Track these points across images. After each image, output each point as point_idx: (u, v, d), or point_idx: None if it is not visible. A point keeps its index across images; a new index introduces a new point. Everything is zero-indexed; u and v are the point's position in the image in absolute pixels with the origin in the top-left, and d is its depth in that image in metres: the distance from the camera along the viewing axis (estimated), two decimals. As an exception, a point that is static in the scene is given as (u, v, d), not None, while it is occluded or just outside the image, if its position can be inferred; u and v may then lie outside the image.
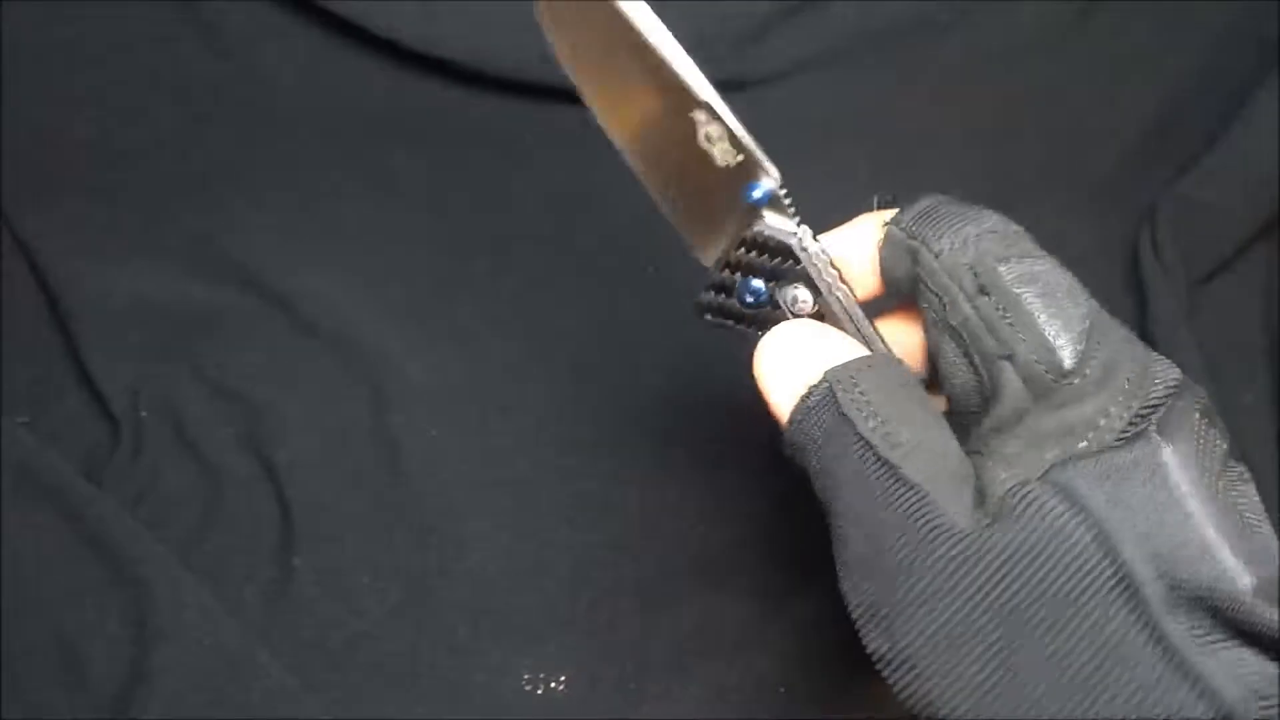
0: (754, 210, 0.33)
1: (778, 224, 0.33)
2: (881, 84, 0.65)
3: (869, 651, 0.28)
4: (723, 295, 0.35)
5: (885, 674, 0.28)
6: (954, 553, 0.27)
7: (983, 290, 0.31)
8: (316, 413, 0.54)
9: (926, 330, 0.33)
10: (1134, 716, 0.25)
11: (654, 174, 0.35)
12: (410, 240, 0.60)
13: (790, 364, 0.32)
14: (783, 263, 0.34)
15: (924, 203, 0.33)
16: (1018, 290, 0.30)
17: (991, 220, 0.32)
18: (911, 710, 0.27)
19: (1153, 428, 0.28)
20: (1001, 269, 0.31)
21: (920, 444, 0.29)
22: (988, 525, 0.27)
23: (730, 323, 0.36)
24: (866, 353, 0.32)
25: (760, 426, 0.53)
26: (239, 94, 0.64)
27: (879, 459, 0.29)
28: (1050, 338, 0.30)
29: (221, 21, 0.63)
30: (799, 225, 0.34)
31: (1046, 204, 0.62)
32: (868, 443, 0.29)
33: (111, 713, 0.43)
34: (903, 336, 0.35)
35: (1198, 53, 0.65)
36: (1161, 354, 0.30)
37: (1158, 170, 0.63)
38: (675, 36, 0.33)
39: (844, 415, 0.29)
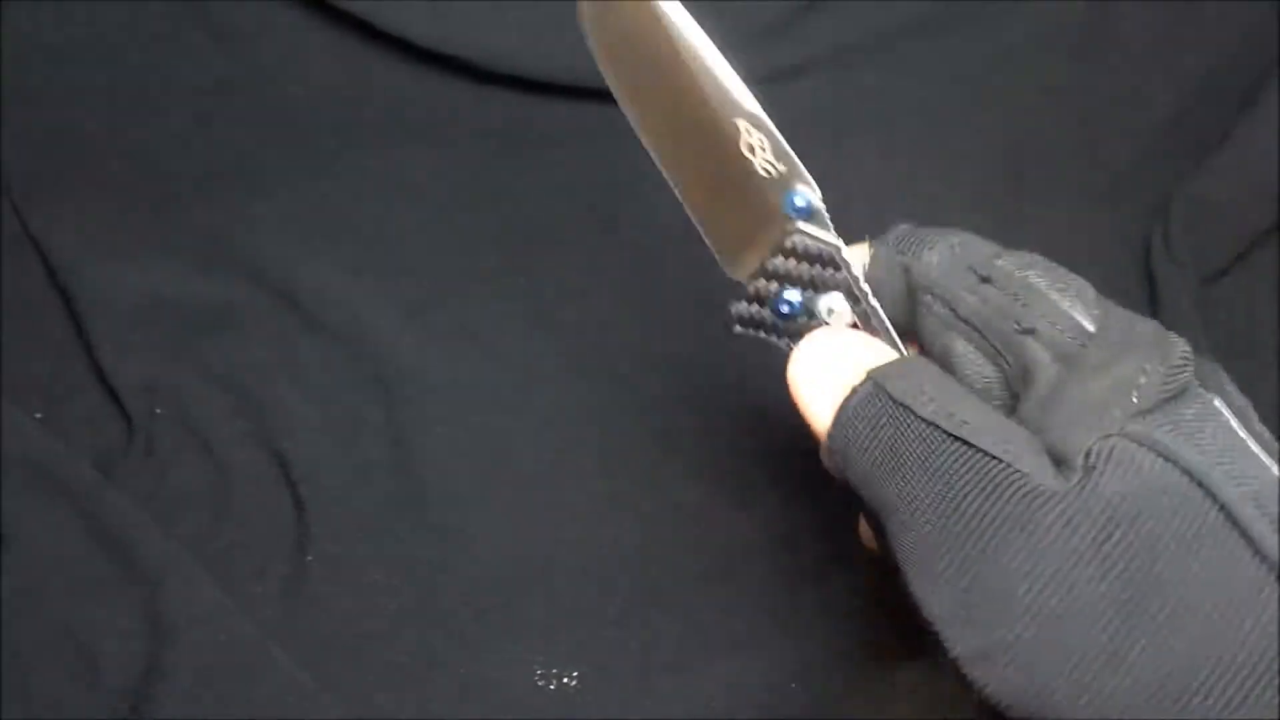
0: (791, 220, 0.34)
1: (818, 233, 0.34)
2: (892, 82, 0.65)
3: (955, 655, 0.27)
4: (756, 306, 0.35)
5: (977, 674, 0.27)
6: (1056, 512, 0.26)
7: (985, 279, 0.31)
8: (327, 409, 0.54)
9: (929, 345, 0.33)
10: (1268, 656, 0.24)
11: (691, 182, 0.35)
12: (421, 237, 0.60)
13: (830, 367, 0.31)
14: (822, 271, 0.34)
15: (900, 228, 0.33)
16: (1021, 273, 0.31)
17: (969, 233, 0.33)
18: (1005, 710, 0.26)
19: (1195, 383, 0.28)
20: (998, 261, 0.31)
21: (984, 418, 0.28)
22: (1081, 482, 0.26)
23: (762, 333, 0.36)
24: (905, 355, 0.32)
25: (769, 425, 0.53)
26: (249, 91, 0.64)
27: (950, 436, 0.28)
28: (1066, 306, 0.30)
29: (231, 19, 0.63)
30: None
31: (1058, 202, 0.62)
32: (933, 424, 0.28)
33: (125, 709, 0.43)
34: None
35: (1210, 51, 0.65)
36: None
37: (1169, 169, 0.63)
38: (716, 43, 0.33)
39: (900, 403, 0.29)
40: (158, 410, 0.53)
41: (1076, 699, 0.25)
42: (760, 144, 0.33)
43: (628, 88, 0.35)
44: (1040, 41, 0.65)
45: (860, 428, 0.29)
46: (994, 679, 0.26)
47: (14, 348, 0.55)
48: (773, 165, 0.33)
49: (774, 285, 0.35)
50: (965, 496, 0.27)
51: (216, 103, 0.63)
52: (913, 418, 0.28)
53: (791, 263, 0.34)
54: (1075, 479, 0.26)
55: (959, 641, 0.27)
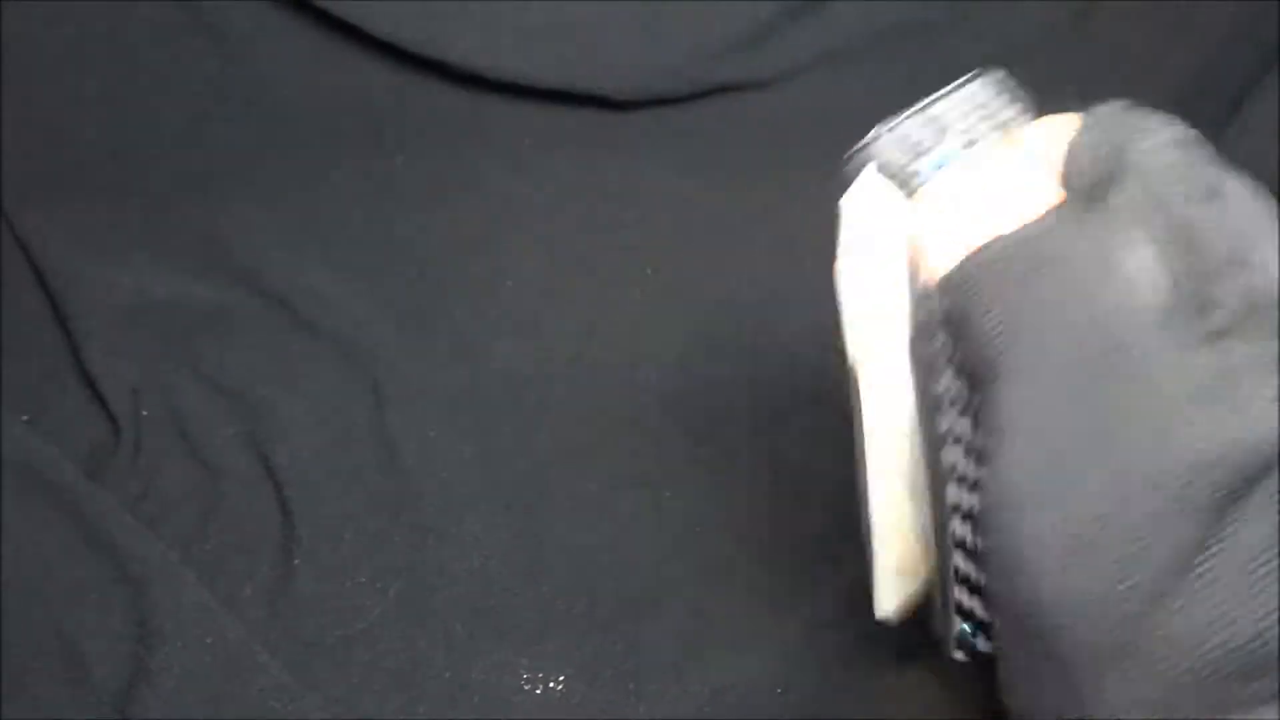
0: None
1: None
2: (882, 84, 0.65)
3: None
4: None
5: None
6: None
7: (1215, 193, 0.31)
8: (316, 412, 0.54)
9: None
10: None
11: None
12: (410, 241, 0.61)
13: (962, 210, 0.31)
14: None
15: (1119, 103, 0.34)
16: (1254, 200, 0.31)
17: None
18: None
19: None
20: (1226, 179, 0.31)
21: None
22: None
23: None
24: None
25: (761, 428, 0.53)
26: (241, 95, 0.64)
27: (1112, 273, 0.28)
28: None
29: (224, 23, 0.64)
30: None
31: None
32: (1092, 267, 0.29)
33: (112, 711, 0.43)
34: None
35: (1197, 52, 0.65)
36: None
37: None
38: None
39: (1047, 260, 0.29)
40: (145, 412, 0.54)
41: None
42: None
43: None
44: (1030, 42, 0.66)
45: (988, 280, 0.29)
46: None
47: (2, 349, 0.55)
48: None
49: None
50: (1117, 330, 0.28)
51: (209, 106, 0.63)
52: (1058, 269, 0.29)
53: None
54: None
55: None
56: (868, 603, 0.41)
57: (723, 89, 0.64)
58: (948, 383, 0.32)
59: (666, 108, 0.65)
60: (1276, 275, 0.28)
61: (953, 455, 0.33)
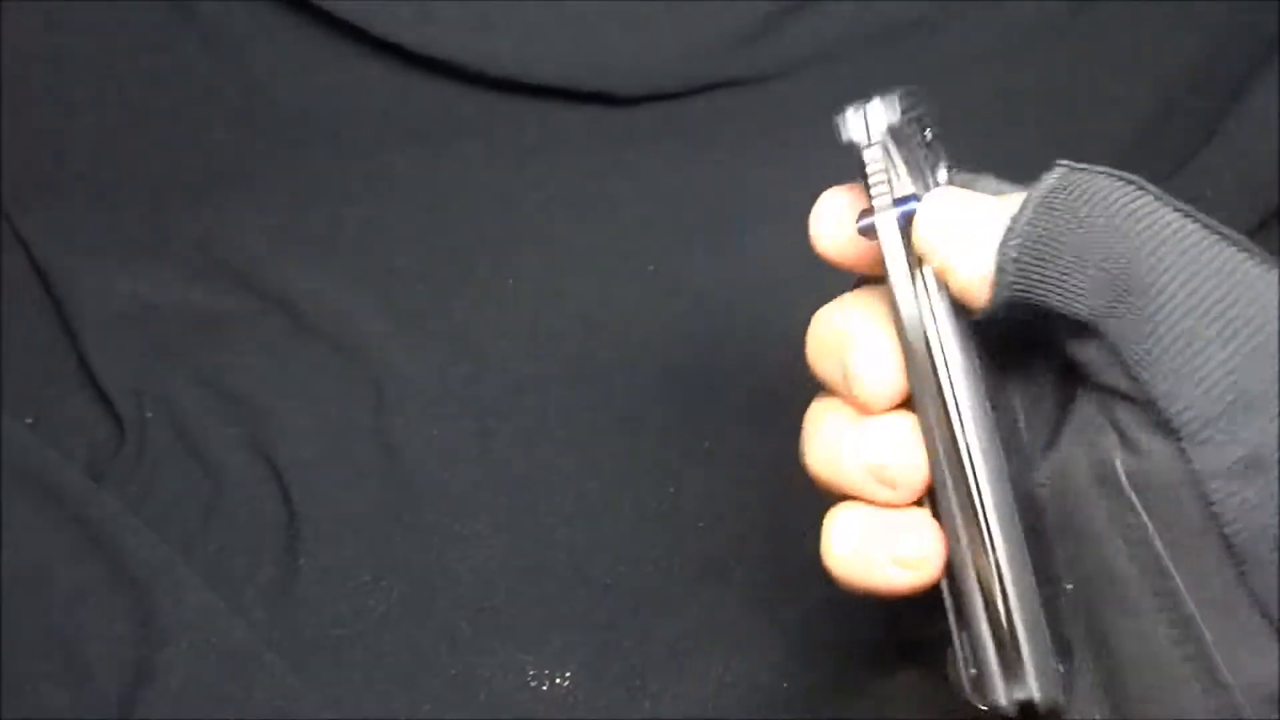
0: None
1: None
2: (878, 82, 0.65)
3: (1206, 468, 0.24)
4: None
5: (1234, 486, 0.24)
6: None
7: None
8: (317, 413, 0.54)
9: None
10: None
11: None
12: (410, 241, 0.61)
13: (972, 202, 0.29)
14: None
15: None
16: None
17: None
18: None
19: None
20: None
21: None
22: None
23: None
24: None
25: (761, 425, 0.53)
26: (239, 96, 0.64)
27: (1192, 220, 0.25)
28: None
29: (221, 23, 0.64)
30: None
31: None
32: (1180, 209, 0.25)
33: (115, 712, 0.43)
34: None
35: (1195, 49, 0.65)
36: None
37: (1155, 167, 0.63)
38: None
39: (1116, 178, 0.27)
40: (148, 414, 0.54)
41: None
42: None
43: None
44: (1027, 38, 0.66)
45: (1060, 218, 0.26)
46: (1255, 491, 0.24)
47: (4, 353, 0.55)
48: None
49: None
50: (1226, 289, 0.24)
51: (207, 108, 0.63)
52: (1134, 193, 0.26)
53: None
54: None
55: (1219, 451, 0.24)
56: (868, 600, 0.41)
57: (723, 85, 0.64)
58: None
59: (666, 104, 0.65)
60: None
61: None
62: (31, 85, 0.62)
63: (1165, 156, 0.64)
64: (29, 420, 0.53)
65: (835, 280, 0.34)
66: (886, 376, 0.29)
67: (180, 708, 0.43)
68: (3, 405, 0.52)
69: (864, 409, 0.30)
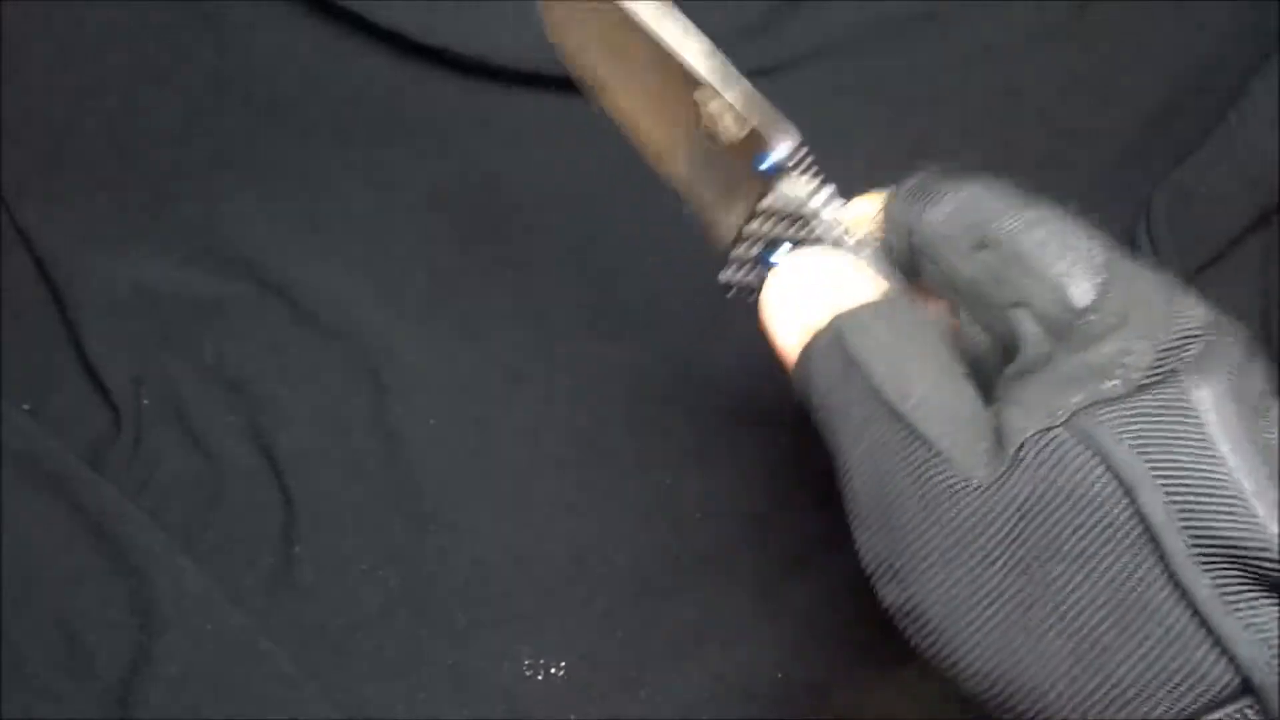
0: (768, 181, 0.33)
1: (791, 190, 0.33)
2: (879, 78, 0.65)
3: (883, 604, 0.27)
4: (742, 271, 0.35)
5: (900, 626, 0.27)
6: (967, 511, 0.26)
7: (981, 244, 0.30)
8: (317, 402, 0.54)
9: (938, 296, 0.32)
10: (1150, 675, 0.24)
11: (666, 162, 0.35)
12: (412, 231, 0.60)
13: (800, 303, 0.30)
14: (800, 229, 0.33)
15: (914, 178, 0.32)
16: (1022, 234, 0.29)
17: (980, 182, 0.31)
18: (929, 662, 0.27)
19: (1183, 366, 0.26)
20: (998, 222, 0.30)
21: (934, 392, 0.27)
22: (1003, 477, 0.26)
23: (754, 298, 0.34)
24: (879, 291, 0.30)
25: (759, 416, 0.53)
26: (240, 85, 0.64)
27: (890, 411, 0.27)
28: (1061, 274, 0.28)
29: (222, 13, 0.63)
30: (820, 186, 0.33)
31: (1044, 197, 0.62)
32: (878, 392, 0.27)
33: (114, 700, 0.43)
34: None
35: (1196, 46, 0.65)
36: None
37: (1156, 164, 0.63)
38: (678, 21, 0.33)
39: (853, 361, 0.28)
40: (146, 402, 0.54)
41: (982, 670, 0.26)
42: (720, 112, 0.33)
43: (592, 80, 0.35)
44: (1023, 38, 0.65)
45: (818, 376, 0.29)
46: (912, 637, 0.27)
47: (3, 339, 0.55)
48: (736, 131, 0.32)
49: (755, 249, 0.34)
50: (893, 474, 0.27)
51: (208, 97, 0.63)
52: (860, 380, 0.28)
53: (769, 224, 0.33)
54: (1000, 471, 0.26)
55: (884, 592, 0.27)
56: (869, 592, 0.41)
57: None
58: None
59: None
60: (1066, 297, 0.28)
61: None
62: (32, 72, 0.61)
63: (1167, 155, 0.64)
64: (27, 407, 0.53)
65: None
66: None
67: (178, 694, 0.43)
68: (1, 392, 0.52)
69: None
